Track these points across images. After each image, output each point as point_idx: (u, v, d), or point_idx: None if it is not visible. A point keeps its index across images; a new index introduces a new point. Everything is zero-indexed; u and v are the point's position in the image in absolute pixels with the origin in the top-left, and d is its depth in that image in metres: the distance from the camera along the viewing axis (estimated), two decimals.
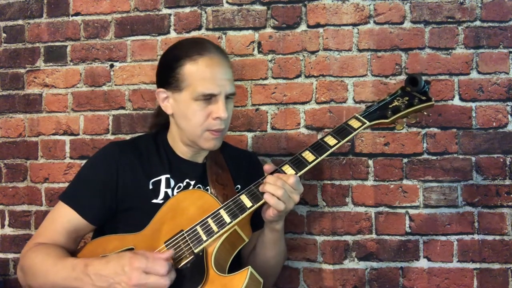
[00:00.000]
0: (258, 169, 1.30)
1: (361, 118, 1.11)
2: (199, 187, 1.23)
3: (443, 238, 1.53)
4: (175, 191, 1.20)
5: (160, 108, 1.26)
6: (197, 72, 1.12)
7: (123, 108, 1.69)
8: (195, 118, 1.14)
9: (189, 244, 1.05)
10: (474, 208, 1.52)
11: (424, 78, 1.53)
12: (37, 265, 1.07)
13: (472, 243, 1.52)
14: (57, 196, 1.67)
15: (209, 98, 1.12)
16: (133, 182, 1.18)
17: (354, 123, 1.11)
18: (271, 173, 1.08)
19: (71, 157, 1.70)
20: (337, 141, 1.08)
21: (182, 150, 1.25)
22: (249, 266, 0.99)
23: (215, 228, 1.05)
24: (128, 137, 1.66)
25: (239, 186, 1.27)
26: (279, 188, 1.02)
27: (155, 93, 1.21)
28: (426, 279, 1.53)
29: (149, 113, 1.67)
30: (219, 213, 1.07)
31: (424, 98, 1.12)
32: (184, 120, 1.17)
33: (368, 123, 1.09)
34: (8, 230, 1.73)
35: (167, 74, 1.16)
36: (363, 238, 1.56)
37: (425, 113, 1.14)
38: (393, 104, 1.13)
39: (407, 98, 1.12)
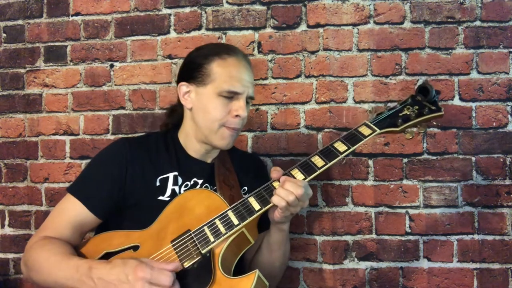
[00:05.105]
0: (263, 171, 1.39)
1: (372, 125, 1.11)
2: (206, 187, 1.23)
3: (443, 238, 1.53)
4: (182, 189, 1.21)
5: (174, 107, 1.30)
6: (225, 70, 1.16)
7: (123, 108, 1.69)
8: (215, 112, 1.16)
9: (196, 245, 1.05)
10: (474, 208, 1.52)
11: (424, 78, 1.55)
12: (41, 261, 1.07)
13: (472, 243, 1.52)
14: (57, 196, 1.68)
15: (231, 96, 1.16)
16: (141, 177, 1.18)
17: (365, 130, 1.11)
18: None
19: (71, 157, 1.70)
20: (347, 148, 1.09)
21: (194, 148, 1.25)
22: (257, 270, 0.99)
23: (222, 229, 1.05)
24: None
25: (245, 188, 1.29)
26: (290, 194, 1.03)
27: (177, 87, 1.23)
28: (426, 279, 1.53)
29: (149, 113, 1.67)
30: (227, 215, 1.07)
31: (434, 108, 1.12)
32: (203, 114, 1.18)
33: (378, 131, 1.10)
34: (8, 230, 1.73)
35: (194, 69, 1.19)
36: (363, 238, 1.56)
37: (434, 122, 1.17)
38: (403, 113, 1.13)
39: (417, 107, 1.13)
